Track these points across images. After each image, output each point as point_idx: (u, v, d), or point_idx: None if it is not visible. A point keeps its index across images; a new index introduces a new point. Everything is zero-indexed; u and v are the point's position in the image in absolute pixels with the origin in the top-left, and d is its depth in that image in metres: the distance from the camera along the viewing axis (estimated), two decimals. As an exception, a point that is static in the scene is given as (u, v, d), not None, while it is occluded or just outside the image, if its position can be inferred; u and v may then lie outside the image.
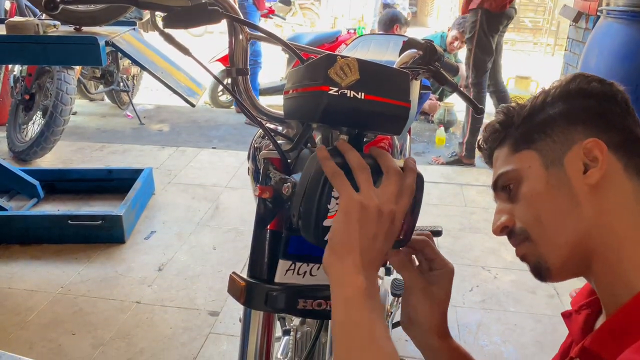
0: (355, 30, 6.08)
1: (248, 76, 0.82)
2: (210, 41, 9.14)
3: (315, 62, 0.71)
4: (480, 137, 0.83)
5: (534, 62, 10.12)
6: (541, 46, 12.13)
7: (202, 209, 3.08)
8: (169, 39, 0.77)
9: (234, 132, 4.63)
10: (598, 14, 3.03)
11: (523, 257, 0.74)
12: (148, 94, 6.21)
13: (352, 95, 0.68)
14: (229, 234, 2.81)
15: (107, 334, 2.04)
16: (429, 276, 0.79)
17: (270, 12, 5.64)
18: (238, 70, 0.81)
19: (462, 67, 5.07)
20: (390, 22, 4.45)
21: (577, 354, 0.69)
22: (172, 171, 3.63)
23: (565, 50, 3.98)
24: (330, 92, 0.67)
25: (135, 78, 5.30)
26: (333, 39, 5.69)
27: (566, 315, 0.79)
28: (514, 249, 0.75)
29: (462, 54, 5.18)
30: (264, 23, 6.14)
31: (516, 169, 0.73)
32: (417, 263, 0.81)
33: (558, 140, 0.69)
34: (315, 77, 0.69)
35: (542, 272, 0.71)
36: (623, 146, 0.67)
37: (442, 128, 4.60)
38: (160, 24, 0.76)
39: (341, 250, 0.63)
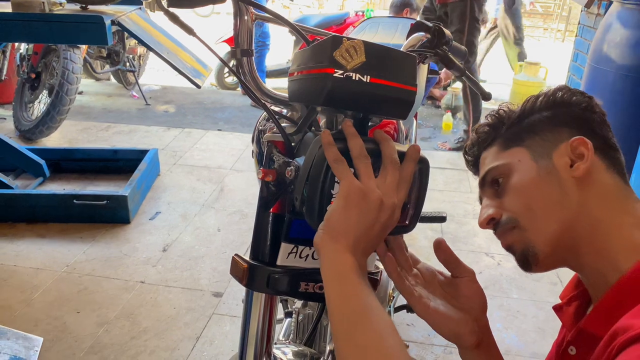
0: (363, 12, 6.01)
1: (253, 58, 0.81)
2: (217, 22, 9.08)
3: (321, 44, 0.70)
4: (467, 142, 0.86)
5: (544, 48, 10.00)
6: (551, 32, 11.98)
7: (207, 191, 3.09)
8: (174, 19, 0.76)
9: (239, 115, 4.61)
10: (611, -1, 2.98)
11: (509, 247, 0.76)
12: (154, 74, 6.20)
13: (357, 78, 0.67)
14: (233, 216, 2.82)
15: (112, 312, 2.06)
16: (455, 286, 0.79)
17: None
18: (243, 51, 0.79)
19: None
20: (402, 6, 4.37)
21: (573, 337, 0.71)
22: (177, 152, 3.63)
23: (576, 36, 3.93)
24: (336, 74, 0.66)
25: (141, 58, 5.28)
26: (341, 21, 5.65)
27: (557, 309, 0.81)
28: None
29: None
30: (271, 4, 6.09)
31: (506, 163, 0.76)
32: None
33: (547, 139, 0.75)
34: (320, 59, 0.68)
35: (529, 259, 0.73)
36: (603, 150, 0.73)
37: (449, 113, 4.56)
38: (165, 3, 0.75)
39: (335, 232, 0.63)
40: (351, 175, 0.63)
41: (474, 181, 3.34)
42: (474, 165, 0.85)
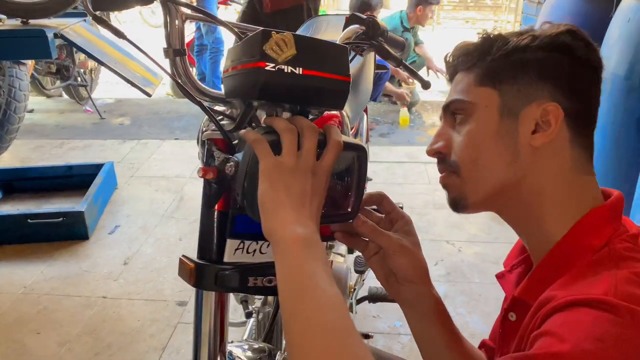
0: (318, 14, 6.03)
1: (186, 57, 0.81)
2: (169, 31, 8.94)
3: (251, 38, 0.70)
4: (449, 52, 0.79)
5: (495, 39, 10.23)
6: (502, 24, 12.28)
7: (166, 201, 3.05)
8: (102, 22, 0.76)
9: (196, 122, 4.55)
10: (549, -13, 3.08)
11: (445, 186, 0.77)
12: (108, 87, 6.07)
13: (289, 71, 0.68)
14: (194, 224, 2.79)
15: (73, 330, 2.01)
16: (395, 231, 0.80)
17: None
18: (175, 51, 0.79)
19: (424, 48, 5.10)
20: (361, 7, 4.36)
21: (509, 304, 0.74)
22: (134, 164, 3.57)
23: (521, 25, 4.04)
24: (267, 68, 0.67)
25: (93, 72, 5.17)
26: (293, 24, 5.65)
27: (500, 277, 0.83)
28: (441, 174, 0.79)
29: (422, 33, 5.21)
30: (223, 11, 6.06)
31: (473, 102, 0.72)
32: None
33: (523, 91, 0.70)
34: (251, 54, 0.69)
35: (458, 206, 0.75)
36: (577, 118, 0.69)
37: (406, 109, 4.62)
38: (90, 6, 0.74)
39: (271, 209, 0.63)
40: (266, 153, 0.64)
41: (432, 172, 3.40)
42: (450, 77, 0.80)
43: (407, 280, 0.78)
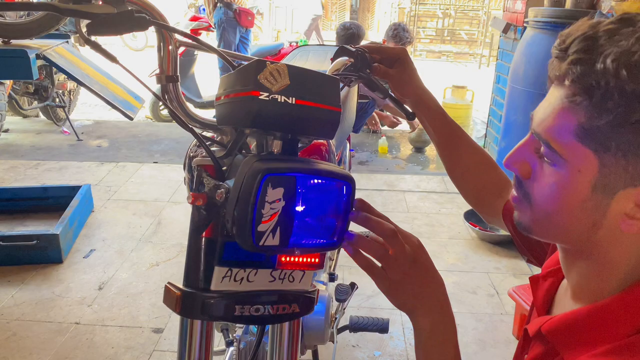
0: (297, 43, 6.13)
1: (178, 83, 0.81)
2: (150, 55, 8.97)
3: (246, 67, 0.71)
4: (567, 35, 0.62)
5: (470, 72, 10.49)
6: (477, 57, 12.61)
7: (143, 225, 3.01)
8: (96, 47, 0.76)
9: (176, 146, 4.55)
10: (525, 25, 3.19)
11: (516, 207, 0.70)
12: (86, 109, 6.02)
13: (282, 100, 0.69)
14: (172, 249, 2.75)
15: (44, 358, 1.95)
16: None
17: (210, 27, 5.62)
18: (168, 77, 0.80)
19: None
20: (347, 38, 4.46)
21: (533, 333, 0.70)
22: (111, 187, 3.52)
23: (497, 60, 4.15)
24: (261, 97, 0.68)
25: (71, 93, 5.13)
26: (275, 52, 5.73)
27: (534, 280, 0.79)
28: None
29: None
30: (205, 37, 6.11)
31: (565, 159, 0.59)
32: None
33: (630, 172, 0.55)
34: (245, 83, 0.70)
35: (524, 231, 0.68)
36: None
37: (384, 137, 4.68)
38: (85, 31, 0.75)
39: (409, 311, 0.75)
40: (383, 276, 0.72)
41: (410, 201, 3.43)
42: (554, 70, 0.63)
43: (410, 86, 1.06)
